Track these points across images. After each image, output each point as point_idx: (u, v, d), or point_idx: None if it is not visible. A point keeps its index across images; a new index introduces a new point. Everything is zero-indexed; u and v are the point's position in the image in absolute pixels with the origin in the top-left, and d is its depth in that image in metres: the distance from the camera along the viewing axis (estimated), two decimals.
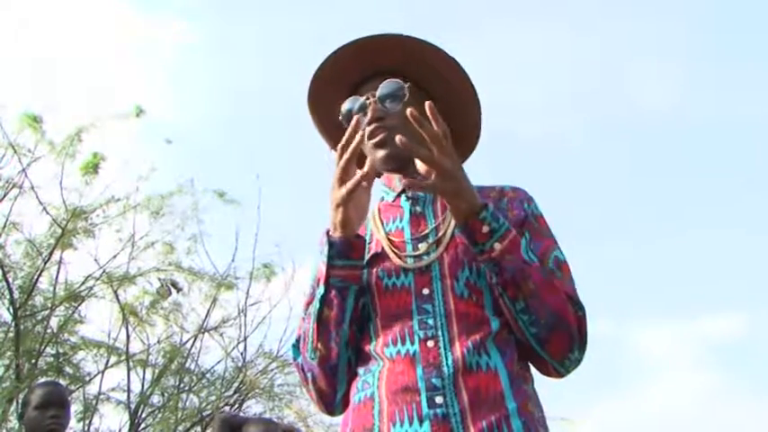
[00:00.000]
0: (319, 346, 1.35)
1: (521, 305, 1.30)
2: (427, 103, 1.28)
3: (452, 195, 1.29)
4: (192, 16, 13.30)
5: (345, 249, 1.34)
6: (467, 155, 1.63)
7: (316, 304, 1.35)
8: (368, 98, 1.49)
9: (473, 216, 1.29)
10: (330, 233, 1.35)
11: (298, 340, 1.44)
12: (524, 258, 1.32)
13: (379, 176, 1.57)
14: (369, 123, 1.46)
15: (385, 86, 1.47)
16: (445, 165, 1.26)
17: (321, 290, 1.34)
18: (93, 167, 7.48)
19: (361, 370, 1.36)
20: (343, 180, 1.32)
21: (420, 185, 1.31)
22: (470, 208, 1.29)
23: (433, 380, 1.26)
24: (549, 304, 1.31)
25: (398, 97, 1.46)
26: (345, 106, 1.51)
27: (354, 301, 1.35)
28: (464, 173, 1.31)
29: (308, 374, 1.40)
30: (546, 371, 1.38)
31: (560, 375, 1.38)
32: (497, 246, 1.29)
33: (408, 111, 1.26)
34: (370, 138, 1.47)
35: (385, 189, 1.54)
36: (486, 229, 1.29)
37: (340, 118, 1.51)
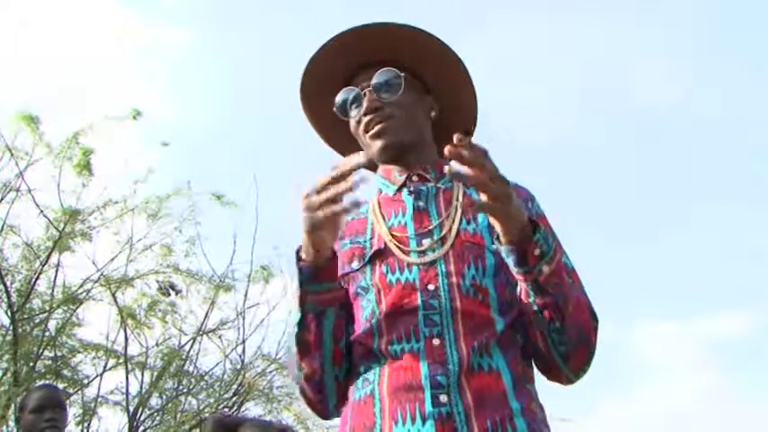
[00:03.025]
0: (303, 365, 1.33)
1: (555, 326, 1.28)
2: (456, 136, 1.16)
3: (507, 217, 1.21)
4: (190, 19, 13.29)
5: (316, 274, 1.27)
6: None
7: (294, 329, 1.31)
8: (362, 88, 1.46)
9: (527, 238, 1.23)
10: (301, 257, 1.28)
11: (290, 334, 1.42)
12: (567, 281, 1.29)
13: (374, 170, 1.55)
14: (365, 114, 1.44)
15: (380, 75, 1.44)
16: (498, 188, 1.17)
17: (297, 315, 1.29)
18: (85, 164, 7.45)
19: (362, 367, 1.34)
20: (322, 205, 1.20)
21: (476, 208, 1.24)
22: (523, 229, 1.22)
23: (439, 377, 1.24)
24: (579, 324, 1.31)
25: (394, 86, 1.44)
26: (340, 97, 1.48)
27: (334, 321, 1.32)
28: (513, 191, 1.21)
29: (298, 387, 1.39)
30: (557, 379, 1.38)
31: (571, 383, 1.39)
32: (546, 269, 1.24)
33: (447, 149, 1.14)
34: (366, 129, 1.45)
35: (384, 182, 1.50)
36: (537, 251, 1.23)
37: (334, 109, 1.49)
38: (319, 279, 1.28)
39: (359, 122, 1.46)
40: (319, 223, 1.21)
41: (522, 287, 1.29)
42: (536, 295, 1.27)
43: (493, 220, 1.24)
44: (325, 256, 1.27)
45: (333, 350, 1.33)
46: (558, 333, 1.29)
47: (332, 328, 1.32)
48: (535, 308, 1.28)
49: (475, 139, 1.58)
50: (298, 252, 1.29)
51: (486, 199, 1.18)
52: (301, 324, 1.30)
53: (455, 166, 1.15)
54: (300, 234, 1.26)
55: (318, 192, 1.20)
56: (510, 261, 1.26)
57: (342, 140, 1.57)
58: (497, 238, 1.26)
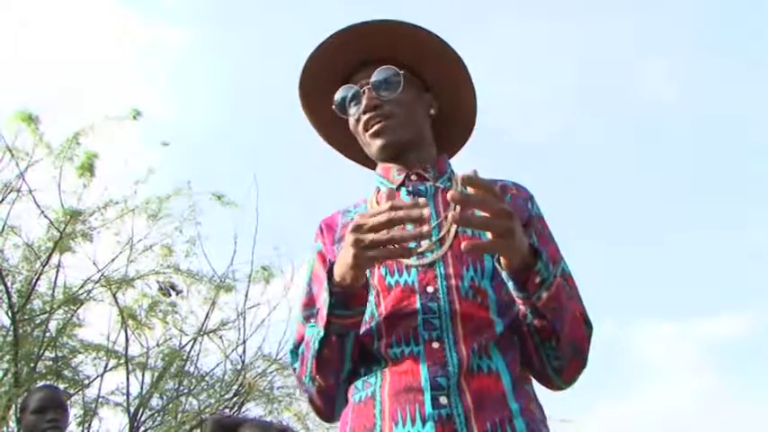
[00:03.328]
0: (318, 378, 1.33)
1: (551, 344, 1.29)
2: (468, 174, 1.14)
3: (510, 251, 1.20)
4: (190, 19, 13.30)
5: (348, 301, 1.26)
6: (465, 137, 1.61)
7: (315, 344, 1.30)
8: (361, 86, 1.46)
9: (528, 267, 1.23)
10: (334, 282, 1.25)
11: (296, 346, 1.41)
12: (565, 304, 1.29)
13: (374, 168, 1.55)
14: (364, 112, 1.44)
15: (379, 73, 1.44)
16: (502, 225, 1.15)
17: (321, 333, 1.29)
18: (88, 167, 7.46)
19: (362, 369, 1.33)
20: (374, 245, 1.17)
21: (480, 247, 1.20)
22: (525, 259, 1.22)
23: (439, 379, 1.24)
24: (574, 340, 1.32)
25: (394, 84, 1.43)
26: (339, 95, 1.48)
27: (354, 340, 1.31)
28: (517, 221, 1.19)
29: (306, 394, 1.40)
30: (549, 386, 1.39)
31: (561, 390, 1.40)
32: (545, 294, 1.24)
33: (450, 194, 1.11)
34: (366, 128, 1.45)
35: (382, 180, 1.50)
36: (538, 279, 1.23)
37: (333, 107, 1.48)
38: (349, 305, 1.27)
39: (358, 120, 1.46)
40: (367, 262, 1.20)
41: (520, 308, 1.30)
42: (534, 317, 1.28)
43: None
44: (360, 284, 1.25)
45: (350, 369, 1.33)
46: (553, 350, 1.30)
47: (352, 348, 1.31)
48: (532, 328, 1.29)
49: (475, 136, 1.61)
50: (330, 272, 1.26)
51: (490, 236, 1.17)
52: (323, 342, 1.29)
53: (461, 211, 1.14)
54: (339, 259, 1.23)
55: (373, 230, 1.16)
56: (509, 285, 1.27)
57: (341, 138, 1.57)
58: (498, 260, 1.26)
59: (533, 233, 1.41)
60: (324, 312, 1.27)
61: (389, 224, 1.15)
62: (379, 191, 1.50)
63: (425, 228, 1.13)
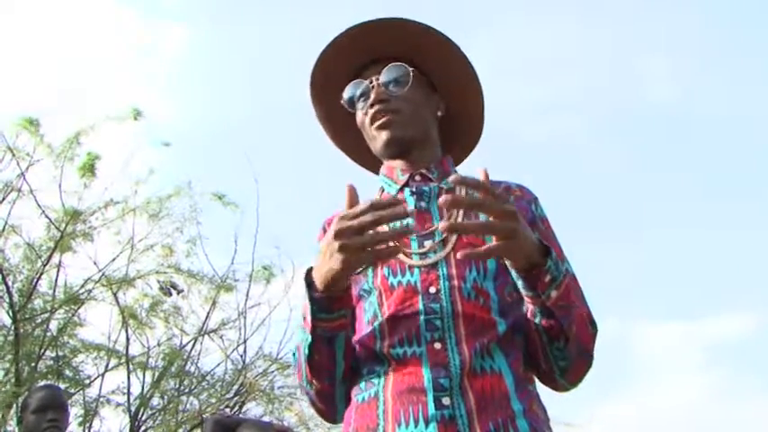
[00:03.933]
0: (314, 381, 1.33)
1: (559, 345, 1.28)
2: (458, 176, 1.12)
3: (512, 253, 1.19)
4: (191, 19, 13.31)
5: (330, 305, 1.25)
6: (473, 141, 1.61)
7: (305, 350, 1.29)
8: (371, 82, 1.46)
9: (537, 266, 1.21)
10: (315, 287, 1.23)
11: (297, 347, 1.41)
12: (574, 303, 1.28)
13: (377, 169, 1.55)
14: (372, 106, 1.44)
15: (389, 71, 1.44)
16: (504, 227, 1.13)
17: (309, 338, 1.27)
18: (89, 168, 7.47)
19: (365, 369, 1.33)
20: (359, 247, 1.14)
21: (479, 254, 1.16)
22: (534, 259, 1.21)
23: (441, 380, 1.24)
24: (580, 340, 1.31)
25: (403, 81, 1.43)
26: (348, 90, 1.48)
27: (345, 342, 1.30)
28: (523, 222, 1.17)
29: (306, 396, 1.39)
30: (553, 387, 1.38)
31: (566, 391, 1.39)
32: (554, 293, 1.23)
33: (452, 178, 1.10)
34: (373, 121, 1.44)
35: (386, 180, 1.49)
36: (548, 278, 1.22)
37: (342, 102, 1.48)
38: (333, 309, 1.26)
39: (366, 114, 1.46)
40: (357, 264, 1.18)
41: (528, 307, 1.29)
42: (542, 317, 1.27)
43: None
44: (342, 287, 1.24)
45: (344, 369, 1.33)
46: (561, 350, 1.29)
47: (344, 349, 1.31)
48: (540, 328, 1.28)
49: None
50: (309, 276, 1.25)
51: (494, 240, 1.16)
52: (312, 347, 1.28)
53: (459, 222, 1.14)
54: (322, 266, 1.20)
55: (358, 231, 1.14)
56: (518, 283, 1.26)
57: (349, 138, 1.57)
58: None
59: (536, 234, 1.40)
60: (309, 318, 1.26)
61: (375, 224, 1.14)
62: (382, 191, 1.50)
63: (410, 221, 1.14)
